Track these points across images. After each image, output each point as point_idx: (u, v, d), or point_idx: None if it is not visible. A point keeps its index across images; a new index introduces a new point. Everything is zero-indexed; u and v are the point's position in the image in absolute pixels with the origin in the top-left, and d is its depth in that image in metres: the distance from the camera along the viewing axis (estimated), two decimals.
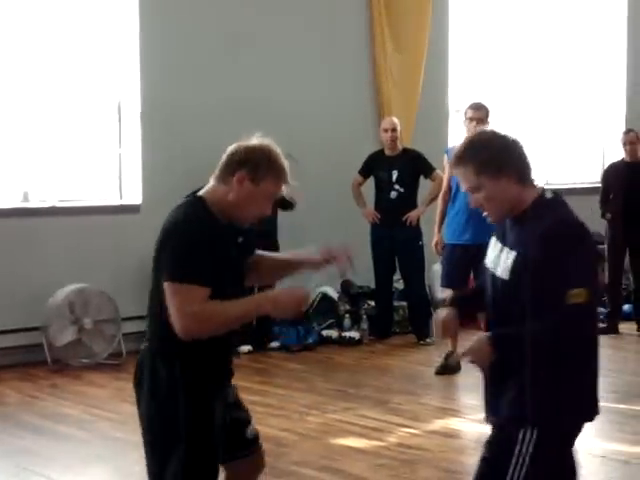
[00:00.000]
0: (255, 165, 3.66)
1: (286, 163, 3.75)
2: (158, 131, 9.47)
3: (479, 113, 8.52)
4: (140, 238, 9.31)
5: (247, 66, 9.91)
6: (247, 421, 4.06)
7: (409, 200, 9.80)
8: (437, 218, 8.73)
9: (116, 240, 9.11)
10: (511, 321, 3.51)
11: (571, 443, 3.62)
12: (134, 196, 9.50)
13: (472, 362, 3.57)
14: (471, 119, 8.52)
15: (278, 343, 9.58)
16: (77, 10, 9.27)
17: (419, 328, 9.86)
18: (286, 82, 10.15)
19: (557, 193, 3.62)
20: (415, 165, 9.79)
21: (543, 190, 3.59)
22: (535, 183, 3.58)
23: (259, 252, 4.05)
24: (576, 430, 3.62)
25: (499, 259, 3.62)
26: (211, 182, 3.82)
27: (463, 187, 3.67)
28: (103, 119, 9.53)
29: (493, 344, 3.49)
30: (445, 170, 8.78)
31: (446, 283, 8.64)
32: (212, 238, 3.64)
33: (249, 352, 9.29)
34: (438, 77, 11.23)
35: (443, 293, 9.07)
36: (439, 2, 11.17)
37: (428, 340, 9.73)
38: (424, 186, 9.90)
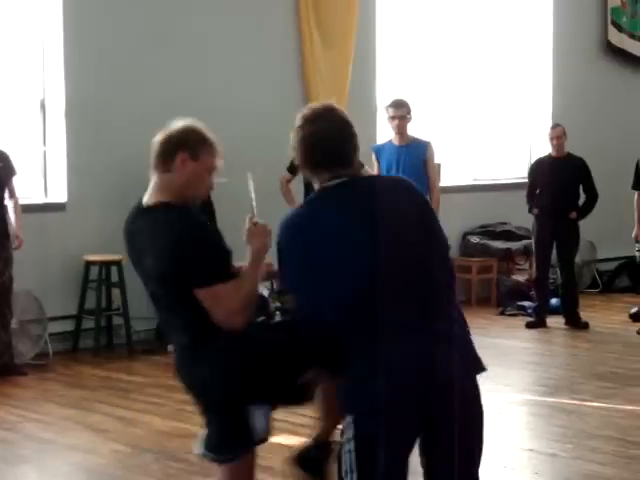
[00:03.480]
0: (192, 144, 3.81)
1: (214, 136, 3.91)
2: (83, 129, 9.34)
3: (401, 111, 8.56)
4: (65, 237, 9.23)
5: (173, 63, 9.81)
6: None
7: None
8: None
9: (41, 239, 8.98)
10: None
11: None
12: (59, 194, 9.37)
13: None
14: (393, 117, 8.55)
15: None
16: (0, 5, 9.13)
17: None
18: (213, 78, 10.08)
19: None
20: None
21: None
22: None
23: None
24: None
25: None
26: (153, 178, 3.86)
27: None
28: (27, 117, 9.39)
29: None
30: (374, 167, 8.78)
31: None
32: (205, 228, 3.86)
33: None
34: (366, 73, 11.23)
35: None
36: None
37: None
38: None
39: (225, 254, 3.86)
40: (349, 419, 3.49)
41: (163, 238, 3.75)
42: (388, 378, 3.39)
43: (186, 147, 3.80)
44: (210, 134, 3.89)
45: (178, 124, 3.86)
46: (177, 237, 3.73)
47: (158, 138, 3.84)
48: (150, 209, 3.84)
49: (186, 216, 3.80)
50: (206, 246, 3.76)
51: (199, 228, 3.82)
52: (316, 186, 3.68)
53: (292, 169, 9.92)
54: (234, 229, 4.37)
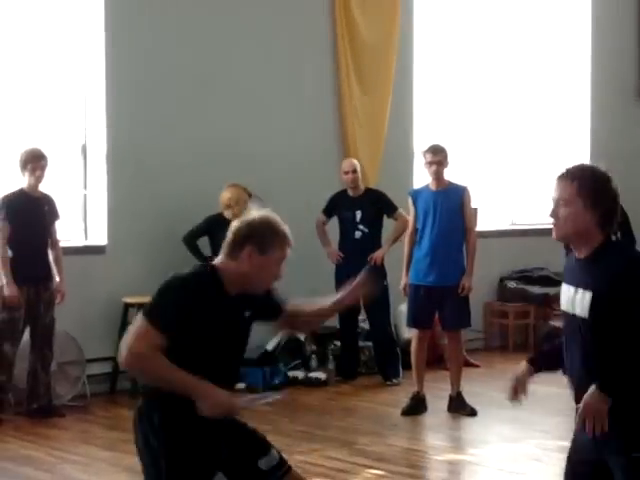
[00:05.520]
0: (260, 238, 3.94)
1: (286, 227, 4.01)
2: (123, 173, 9.45)
3: (438, 156, 8.59)
4: (105, 279, 9.32)
5: (214, 108, 9.93)
6: (261, 453, 4.17)
7: (373, 240, 9.82)
8: (404, 260, 8.73)
9: (81, 281, 9.06)
10: (595, 359, 3.71)
11: None
12: (99, 237, 9.47)
13: (587, 421, 3.66)
14: (430, 163, 8.59)
15: (244, 384, 9.54)
16: (44, 48, 9.29)
17: (385, 368, 9.83)
18: (253, 124, 10.17)
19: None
20: (378, 205, 9.83)
21: (609, 235, 3.85)
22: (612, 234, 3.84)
23: (293, 304, 4.29)
24: None
25: (575, 300, 3.82)
26: (221, 258, 4.06)
27: (554, 194, 4.07)
28: (68, 160, 9.52)
29: (607, 394, 3.64)
30: (410, 211, 8.81)
31: (412, 323, 8.66)
32: (203, 299, 3.89)
33: None
34: (403, 118, 11.30)
35: (409, 333, 9.10)
36: (404, 44, 11.26)
37: (395, 380, 9.71)
38: (388, 226, 9.94)
39: (175, 326, 3.84)
40: None
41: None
42: None
43: (254, 241, 3.93)
44: (282, 226, 4.00)
45: (254, 214, 4.01)
46: (171, 277, 3.95)
47: (233, 226, 4.02)
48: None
49: (204, 285, 3.93)
50: (172, 299, 3.87)
51: (190, 292, 3.89)
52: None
53: (327, 211, 9.99)
54: None
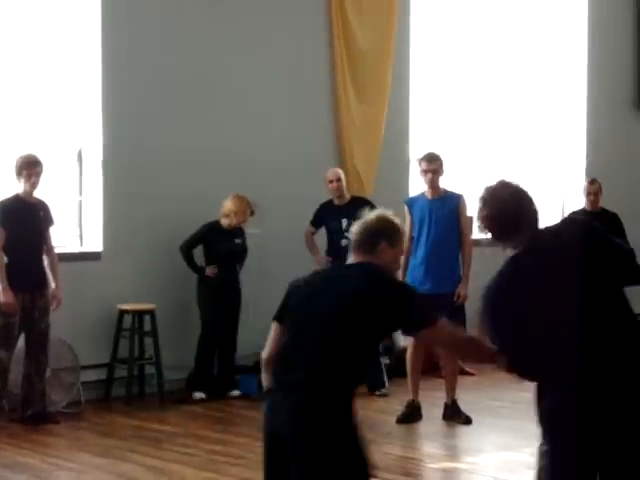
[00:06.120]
0: (391, 234, 4.38)
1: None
2: (119, 179, 9.45)
3: (433, 164, 8.59)
4: (100, 285, 9.30)
5: (209, 114, 9.93)
6: None
7: None
8: (400, 269, 8.71)
9: (76, 287, 9.04)
10: None
11: None
12: (95, 243, 9.46)
13: None
14: (426, 171, 8.58)
15: (239, 392, 9.53)
16: (41, 54, 9.28)
17: (371, 378, 9.65)
18: (249, 131, 10.17)
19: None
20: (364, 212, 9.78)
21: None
22: None
23: None
24: None
25: None
26: (356, 257, 4.42)
27: None
28: (64, 166, 9.51)
29: None
30: (406, 220, 8.80)
31: None
32: None
33: (201, 400, 9.24)
34: (399, 127, 11.30)
35: (405, 341, 9.09)
36: (400, 52, 11.27)
37: (383, 390, 9.65)
38: None
39: None
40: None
41: (368, 282, 4.30)
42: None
43: (387, 237, 4.35)
44: (399, 221, 4.47)
45: (378, 214, 4.43)
46: (385, 282, 4.30)
47: (363, 227, 4.38)
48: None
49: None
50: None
51: None
52: None
53: (315, 222, 9.98)
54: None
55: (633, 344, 4.06)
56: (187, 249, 9.35)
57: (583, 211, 10.50)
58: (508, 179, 4.39)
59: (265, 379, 4.27)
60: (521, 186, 4.32)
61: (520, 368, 4.13)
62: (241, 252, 9.59)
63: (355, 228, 4.42)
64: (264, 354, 4.28)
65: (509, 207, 4.20)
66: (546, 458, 4.06)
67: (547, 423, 4.05)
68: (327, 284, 4.28)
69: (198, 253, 9.45)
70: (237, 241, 9.51)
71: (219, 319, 9.40)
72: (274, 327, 4.29)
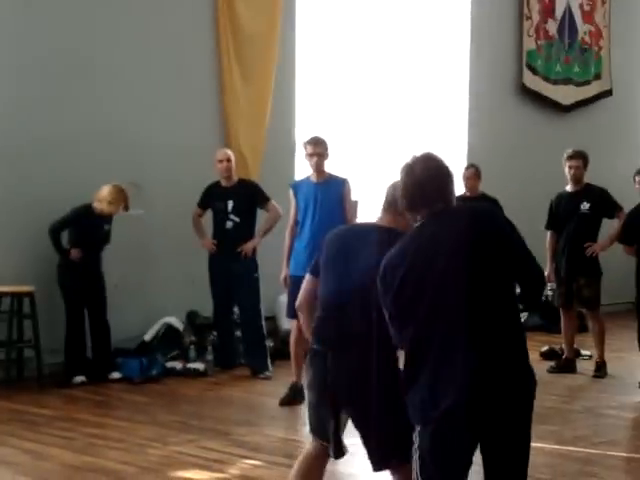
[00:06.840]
0: (407, 199, 4.41)
1: None
2: None
3: (319, 148, 8.61)
4: None
5: (94, 98, 9.75)
6: None
7: (245, 230, 9.78)
8: (284, 252, 8.73)
9: None
10: None
11: None
12: None
13: None
14: (311, 155, 8.60)
15: (119, 374, 9.42)
16: None
17: (254, 361, 9.73)
18: (132, 112, 10.03)
19: None
20: (250, 195, 9.80)
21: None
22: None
23: None
24: None
25: None
26: (384, 217, 4.99)
27: None
28: None
29: None
30: (291, 203, 8.80)
31: (291, 314, 8.64)
32: None
33: (82, 383, 9.12)
34: (285, 110, 11.29)
35: (289, 324, 9.10)
36: (286, 36, 11.25)
37: (265, 374, 9.66)
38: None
39: None
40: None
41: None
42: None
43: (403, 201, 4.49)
44: None
45: (397, 180, 4.58)
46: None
47: (388, 187, 5.12)
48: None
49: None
50: None
51: None
52: None
53: (202, 203, 9.93)
54: None
55: (510, 330, 4.16)
56: (56, 231, 9.14)
57: (462, 196, 10.61)
58: (434, 153, 4.36)
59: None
60: (444, 162, 4.30)
61: (397, 336, 4.12)
62: (105, 238, 9.43)
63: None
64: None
65: (424, 179, 4.19)
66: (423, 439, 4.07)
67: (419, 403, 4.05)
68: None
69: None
70: (106, 227, 9.36)
71: (82, 302, 9.26)
72: None
